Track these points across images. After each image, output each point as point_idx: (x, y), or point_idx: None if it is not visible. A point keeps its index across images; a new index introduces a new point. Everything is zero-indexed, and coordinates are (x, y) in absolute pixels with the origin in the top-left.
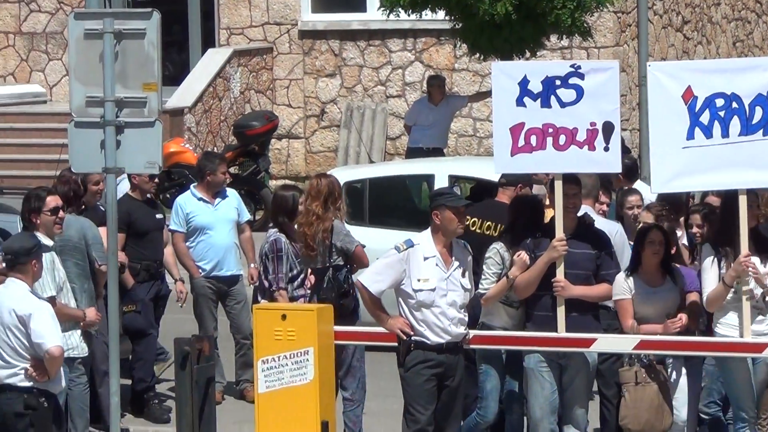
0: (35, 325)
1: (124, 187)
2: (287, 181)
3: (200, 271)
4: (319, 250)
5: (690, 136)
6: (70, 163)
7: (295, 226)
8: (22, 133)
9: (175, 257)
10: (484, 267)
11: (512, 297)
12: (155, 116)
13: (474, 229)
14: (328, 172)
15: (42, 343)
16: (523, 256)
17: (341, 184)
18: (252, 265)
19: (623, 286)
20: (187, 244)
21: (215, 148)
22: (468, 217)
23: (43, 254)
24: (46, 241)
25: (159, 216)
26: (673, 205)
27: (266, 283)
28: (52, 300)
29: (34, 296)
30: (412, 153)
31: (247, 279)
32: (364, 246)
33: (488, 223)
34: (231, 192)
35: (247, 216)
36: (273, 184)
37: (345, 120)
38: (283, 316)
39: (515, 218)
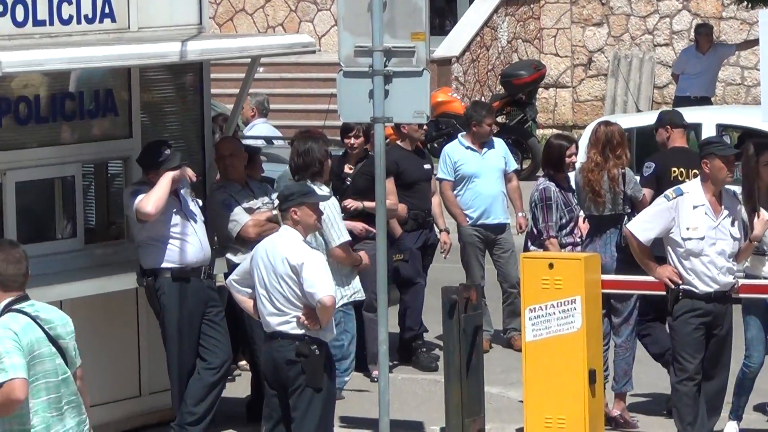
0: (307, 274)
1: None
2: (554, 131)
3: (467, 219)
4: (606, 197)
5: None
6: (339, 112)
7: (573, 173)
8: (291, 83)
9: (442, 207)
10: None
11: (761, 247)
12: (423, 66)
13: (683, 179)
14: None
15: (314, 293)
16: (764, 215)
17: None
18: (519, 214)
19: None
20: (455, 192)
21: (482, 98)
22: (674, 168)
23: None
24: (320, 192)
25: (427, 166)
26: None
27: (535, 231)
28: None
29: (306, 245)
30: (680, 102)
31: (515, 228)
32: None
33: (695, 171)
34: (498, 141)
35: (514, 165)
36: (540, 133)
37: (612, 69)
38: (551, 265)
39: None
